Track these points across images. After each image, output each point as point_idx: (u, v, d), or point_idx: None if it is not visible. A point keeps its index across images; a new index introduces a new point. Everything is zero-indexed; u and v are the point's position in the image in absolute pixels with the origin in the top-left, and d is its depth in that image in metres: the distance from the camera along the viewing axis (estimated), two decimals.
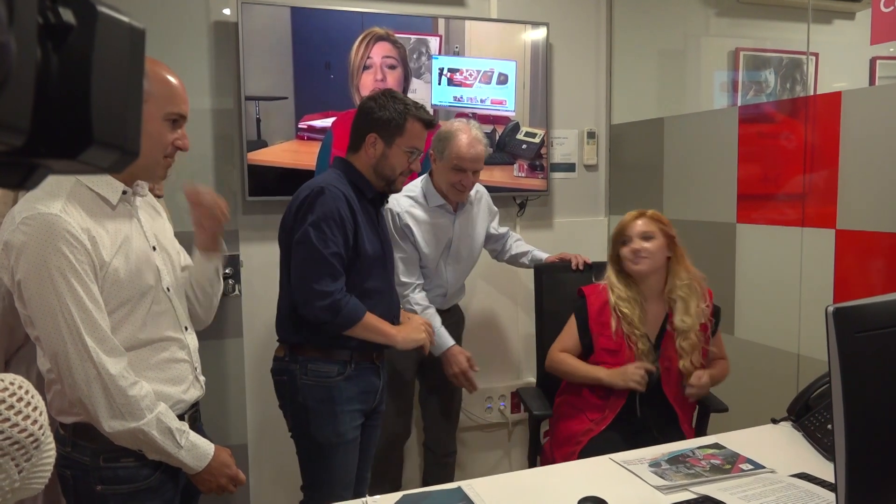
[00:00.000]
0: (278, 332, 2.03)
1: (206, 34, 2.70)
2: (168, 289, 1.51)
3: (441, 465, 2.83)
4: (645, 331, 2.14)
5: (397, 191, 2.11)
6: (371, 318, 1.93)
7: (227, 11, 2.72)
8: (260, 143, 2.75)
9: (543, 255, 2.71)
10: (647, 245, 2.14)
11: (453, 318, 2.72)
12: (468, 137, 2.43)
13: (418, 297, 2.48)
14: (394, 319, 2.06)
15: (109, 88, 0.42)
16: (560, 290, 2.56)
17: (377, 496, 1.45)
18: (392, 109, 1.96)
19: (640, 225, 2.17)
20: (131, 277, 1.39)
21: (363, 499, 1.44)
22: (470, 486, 1.52)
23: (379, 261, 2.02)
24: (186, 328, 1.56)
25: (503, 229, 2.81)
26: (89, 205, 1.36)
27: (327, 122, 2.88)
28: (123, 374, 1.35)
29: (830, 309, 1.05)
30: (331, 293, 1.85)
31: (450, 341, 2.45)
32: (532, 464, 2.41)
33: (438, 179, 2.52)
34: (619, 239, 2.21)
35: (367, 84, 2.92)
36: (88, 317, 1.31)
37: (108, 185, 1.40)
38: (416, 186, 2.55)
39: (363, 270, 1.96)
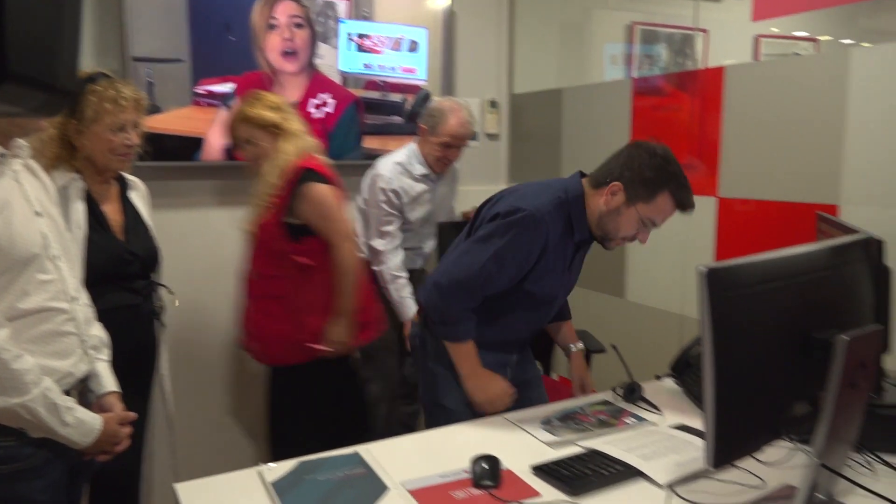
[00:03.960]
0: (419, 299, 1.95)
1: None
2: (56, 256, 1.43)
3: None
4: None
5: (608, 248, 1.87)
6: (468, 348, 1.84)
7: None
8: (153, 109, 2.61)
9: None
10: (250, 151, 2.29)
11: (422, 277, 2.88)
12: (459, 118, 2.65)
13: (394, 265, 2.67)
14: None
15: (34, 13, 0.34)
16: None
17: (272, 463, 1.44)
18: (655, 170, 1.70)
19: (238, 130, 2.29)
20: (13, 244, 1.31)
21: (258, 467, 1.43)
22: (367, 450, 1.54)
23: (540, 302, 1.91)
24: (76, 299, 1.48)
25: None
26: None
27: (228, 88, 2.77)
28: (5, 346, 1.27)
29: (703, 269, 1.12)
30: (450, 310, 1.79)
31: (413, 309, 2.61)
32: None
33: (426, 151, 2.72)
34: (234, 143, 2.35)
35: (275, 45, 2.83)
36: None
37: None
38: (402, 154, 2.75)
39: (515, 302, 1.85)
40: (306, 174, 2.24)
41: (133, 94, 1.91)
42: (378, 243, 2.68)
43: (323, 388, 2.38)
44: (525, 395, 2.04)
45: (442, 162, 2.72)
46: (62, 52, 0.35)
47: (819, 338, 1.18)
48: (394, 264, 2.67)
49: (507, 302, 1.86)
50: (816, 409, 1.20)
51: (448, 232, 2.74)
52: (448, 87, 3.20)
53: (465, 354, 1.85)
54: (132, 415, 1.56)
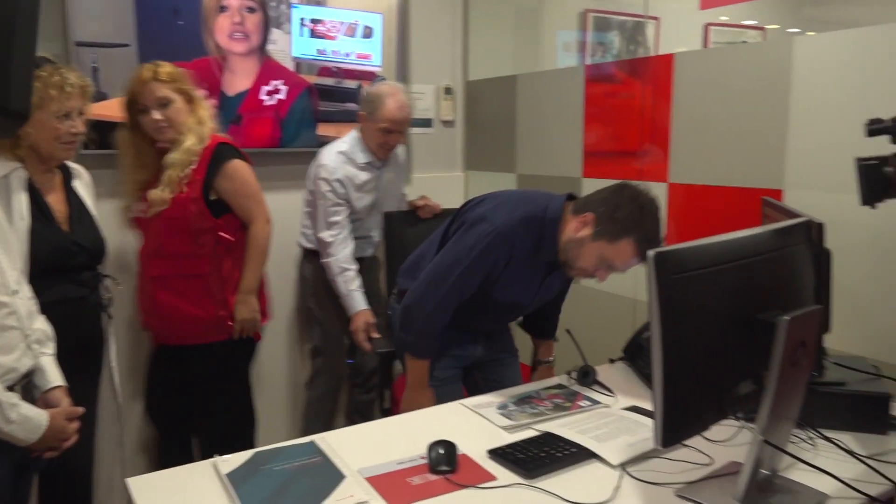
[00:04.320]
0: (399, 278, 2.14)
1: None
2: None
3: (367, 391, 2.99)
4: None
5: (568, 275, 1.91)
6: (424, 364, 1.94)
7: None
8: (98, 96, 2.52)
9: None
10: (164, 114, 2.16)
11: (374, 264, 2.90)
12: (397, 101, 2.59)
13: (343, 257, 2.61)
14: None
15: None
16: (409, 237, 2.67)
17: (228, 455, 1.43)
18: (628, 214, 1.71)
19: (155, 90, 2.15)
20: None
21: (212, 459, 1.42)
22: (323, 438, 1.54)
23: (507, 308, 2.00)
24: (17, 292, 1.44)
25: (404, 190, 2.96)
26: None
27: None
28: None
29: (652, 253, 1.14)
30: (427, 316, 1.89)
31: (360, 305, 2.62)
32: (381, 400, 2.52)
33: (367, 138, 2.67)
34: (136, 107, 2.18)
35: (224, 27, 2.77)
36: None
37: None
38: (345, 143, 2.69)
39: (483, 305, 1.94)
40: (225, 149, 2.22)
41: (79, 81, 1.85)
42: (326, 235, 2.63)
43: (240, 365, 2.42)
44: (497, 374, 2.12)
45: (384, 148, 2.67)
46: (15, 75, 0.33)
47: (762, 318, 1.21)
48: (343, 256, 2.63)
49: (475, 304, 1.93)
50: (761, 387, 1.24)
51: (396, 221, 2.71)
52: (403, 74, 3.19)
53: (417, 368, 1.95)
54: (79, 409, 1.53)
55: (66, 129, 1.82)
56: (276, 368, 3.07)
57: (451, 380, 2.05)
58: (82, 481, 2.05)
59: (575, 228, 1.78)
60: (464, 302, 1.91)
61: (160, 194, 2.16)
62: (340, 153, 2.66)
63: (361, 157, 2.68)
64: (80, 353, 1.84)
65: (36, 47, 0.30)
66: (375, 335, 2.58)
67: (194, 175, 2.18)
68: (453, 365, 2.06)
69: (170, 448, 2.46)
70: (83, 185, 2.02)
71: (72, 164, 2.00)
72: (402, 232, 2.68)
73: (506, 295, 1.93)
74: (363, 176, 2.69)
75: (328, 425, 2.82)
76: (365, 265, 2.76)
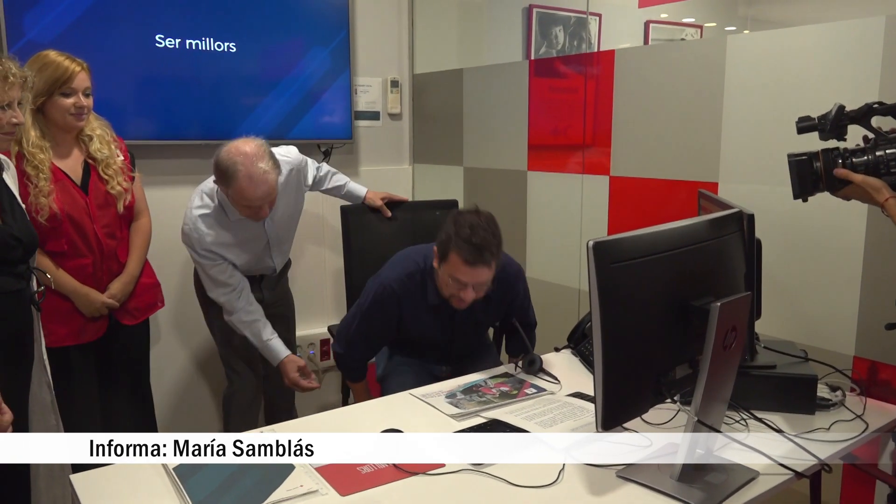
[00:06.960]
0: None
1: None
2: None
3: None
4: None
5: (454, 306, 2.01)
6: (359, 385, 2.21)
7: None
8: None
9: (361, 190, 2.73)
10: (88, 102, 2.16)
11: (284, 268, 2.64)
12: (250, 177, 2.07)
13: (241, 308, 2.32)
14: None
15: None
16: (368, 229, 2.68)
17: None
18: (445, 232, 1.92)
19: (86, 78, 2.16)
20: None
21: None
22: (273, 430, 1.54)
23: (432, 342, 2.18)
24: None
25: (323, 170, 2.66)
26: None
27: None
28: None
29: (591, 243, 1.18)
30: (341, 354, 2.18)
31: (282, 353, 2.35)
32: (346, 398, 2.52)
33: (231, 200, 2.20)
34: (60, 90, 2.09)
35: None
36: None
37: None
38: (207, 197, 2.26)
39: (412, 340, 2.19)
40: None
41: (20, 72, 1.80)
42: (218, 294, 2.31)
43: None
44: (477, 358, 2.26)
45: (255, 216, 2.21)
46: None
47: (696, 305, 1.27)
48: (241, 307, 2.32)
49: (407, 338, 2.17)
50: (696, 371, 1.30)
51: (352, 215, 2.68)
52: (350, 66, 3.17)
53: (355, 387, 2.23)
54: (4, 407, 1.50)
55: (7, 120, 1.77)
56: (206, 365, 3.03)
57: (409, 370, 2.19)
58: (18, 475, 2.00)
59: (435, 262, 1.98)
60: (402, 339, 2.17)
61: (118, 188, 2.21)
62: (203, 216, 2.23)
63: (234, 213, 2.23)
64: (12, 346, 1.79)
65: None
66: (311, 376, 2.39)
67: (127, 162, 2.28)
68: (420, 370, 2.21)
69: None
70: (10, 176, 1.96)
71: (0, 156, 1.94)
72: (360, 226, 2.66)
73: (420, 333, 2.13)
74: (243, 230, 2.29)
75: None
76: (270, 276, 2.54)
